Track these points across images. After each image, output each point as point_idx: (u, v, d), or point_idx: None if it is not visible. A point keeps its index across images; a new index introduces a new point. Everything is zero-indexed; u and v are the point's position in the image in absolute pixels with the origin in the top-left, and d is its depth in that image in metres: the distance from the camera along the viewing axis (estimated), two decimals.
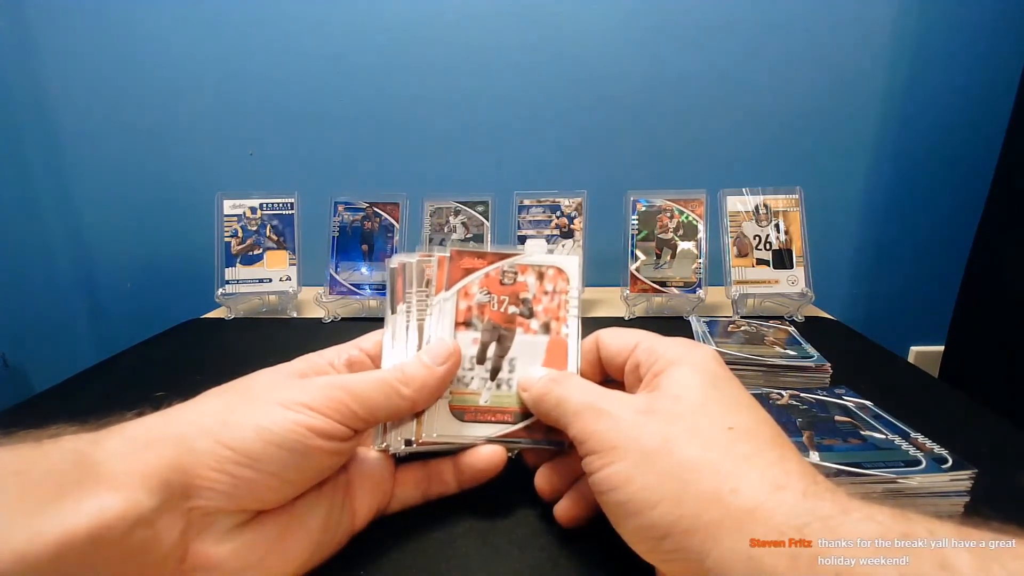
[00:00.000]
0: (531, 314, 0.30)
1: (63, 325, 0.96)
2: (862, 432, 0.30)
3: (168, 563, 0.19)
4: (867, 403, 0.34)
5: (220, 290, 0.68)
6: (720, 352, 0.43)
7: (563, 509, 0.26)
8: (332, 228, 0.70)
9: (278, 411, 0.22)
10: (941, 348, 0.82)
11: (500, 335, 0.29)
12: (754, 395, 0.35)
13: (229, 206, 0.70)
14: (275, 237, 0.71)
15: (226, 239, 0.69)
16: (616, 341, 0.28)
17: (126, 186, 0.89)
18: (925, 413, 0.35)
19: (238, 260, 0.69)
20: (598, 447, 0.22)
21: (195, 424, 0.21)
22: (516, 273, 0.30)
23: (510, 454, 0.28)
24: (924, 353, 0.93)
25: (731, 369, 0.40)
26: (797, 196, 0.66)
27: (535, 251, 0.31)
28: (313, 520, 0.23)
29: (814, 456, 0.28)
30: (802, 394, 0.36)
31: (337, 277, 0.69)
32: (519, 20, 0.81)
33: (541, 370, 0.29)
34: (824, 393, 0.36)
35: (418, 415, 0.28)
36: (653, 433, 0.21)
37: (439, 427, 0.28)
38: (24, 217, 0.90)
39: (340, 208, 0.71)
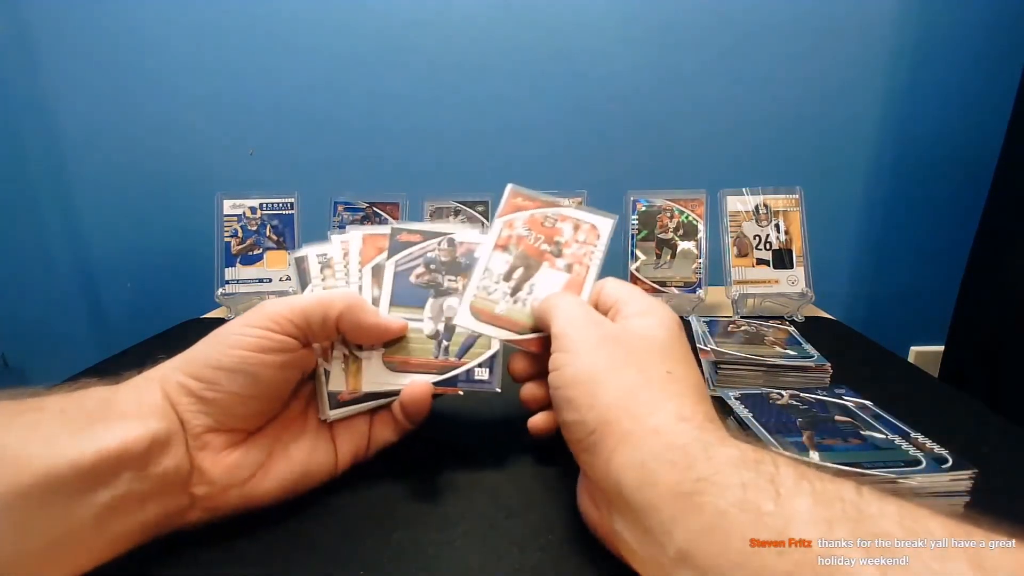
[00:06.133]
0: (560, 254, 0.34)
1: (63, 325, 0.96)
2: (862, 432, 0.30)
3: (180, 478, 0.25)
4: (867, 403, 0.34)
5: (220, 290, 0.68)
6: (720, 352, 0.43)
7: (538, 421, 0.31)
8: (332, 228, 0.70)
9: (227, 339, 0.27)
10: (941, 348, 0.82)
11: (528, 264, 0.34)
12: (754, 395, 0.35)
13: (229, 206, 0.70)
14: (275, 237, 0.71)
15: (226, 239, 0.69)
16: (612, 289, 0.31)
17: (126, 186, 0.89)
18: (925, 413, 0.35)
19: (238, 260, 0.69)
20: (563, 349, 0.26)
21: (168, 366, 0.27)
22: (556, 220, 0.35)
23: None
24: (924, 353, 0.94)
25: (731, 369, 0.40)
26: (797, 196, 0.66)
27: (575, 208, 0.36)
28: (296, 452, 0.29)
29: (814, 456, 0.28)
30: (802, 394, 0.36)
31: None
32: (519, 20, 0.81)
33: None
34: (824, 393, 0.36)
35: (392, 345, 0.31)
36: (610, 355, 0.25)
37: (460, 319, 0.32)
38: (24, 217, 0.90)
39: (340, 208, 0.71)
